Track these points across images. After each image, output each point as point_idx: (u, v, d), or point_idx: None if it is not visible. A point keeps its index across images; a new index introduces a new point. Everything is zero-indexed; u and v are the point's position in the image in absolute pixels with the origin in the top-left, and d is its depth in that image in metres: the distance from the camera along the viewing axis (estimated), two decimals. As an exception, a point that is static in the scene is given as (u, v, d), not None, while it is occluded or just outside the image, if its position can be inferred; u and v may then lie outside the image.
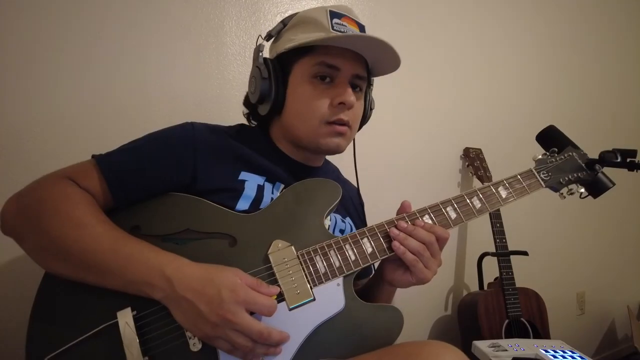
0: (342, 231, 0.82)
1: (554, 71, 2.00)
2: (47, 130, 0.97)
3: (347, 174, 0.97)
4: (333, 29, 0.73)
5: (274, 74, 0.75)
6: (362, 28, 0.78)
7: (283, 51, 0.75)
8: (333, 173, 0.94)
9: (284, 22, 0.78)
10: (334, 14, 0.75)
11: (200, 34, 1.17)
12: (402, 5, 1.55)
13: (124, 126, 1.04)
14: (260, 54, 0.77)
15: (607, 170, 0.82)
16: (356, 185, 0.95)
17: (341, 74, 0.74)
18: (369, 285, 0.83)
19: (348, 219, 0.87)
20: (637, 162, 0.79)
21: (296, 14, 0.79)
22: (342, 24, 0.75)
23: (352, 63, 0.75)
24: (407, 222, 0.69)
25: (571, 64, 2.07)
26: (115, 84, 1.05)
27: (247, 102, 0.86)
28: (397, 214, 0.72)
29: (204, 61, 1.17)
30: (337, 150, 0.77)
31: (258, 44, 0.78)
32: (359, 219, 0.93)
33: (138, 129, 1.07)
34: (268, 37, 0.79)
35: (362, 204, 0.97)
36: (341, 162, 0.95)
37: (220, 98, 1.18)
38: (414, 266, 0.67)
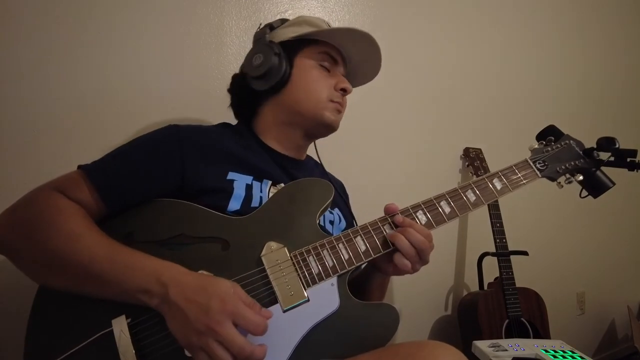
0: (331, 222, 0.83)
1: (554, 71, 2.00)
2: (47, 132, 0.97)
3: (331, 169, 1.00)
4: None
5: (284, 55, 0.80)
6: None
7: (288, 39, 0.82)
8: (317, 166, 0.96)
9: (282, 20, 0.87)
10: (330, 25, 0.87)
11: (200, 34, 1.17)
12: (403, 4, 1.55)
13: (124, 127, 1.04)
14: (267, 35, 0.83)
15: (607, 170, 0.81)
16: (333, 175, 0.99)
17: (337, 68, 0.86)
18: (362, 277, 0.84)
19: (336, 210, 0.88)
20: (637, 161, 0.79)
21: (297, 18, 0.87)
22: None
23: (344, 64, 0.88)
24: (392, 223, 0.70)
25: (572, 63, 2.06)
26: (115, 85, 1.05)
27: (235, 85, 0.89)
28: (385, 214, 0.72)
29: (204, 61, 1.17)
30: (334, 126, 0.85)
31: (259, 30, 0.85)
32: (346, 209, 0.94)
33: (138, 129, 1.07)
34: (270, 27, 0.85)
35: (346, 195, 1.01)
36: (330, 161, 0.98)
37: (221, 98, 1.17)
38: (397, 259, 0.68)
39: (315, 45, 0.83)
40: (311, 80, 0.82)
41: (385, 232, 0.69)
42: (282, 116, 0.83)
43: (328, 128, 0.84)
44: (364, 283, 0.82)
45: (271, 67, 0.79)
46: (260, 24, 0.86)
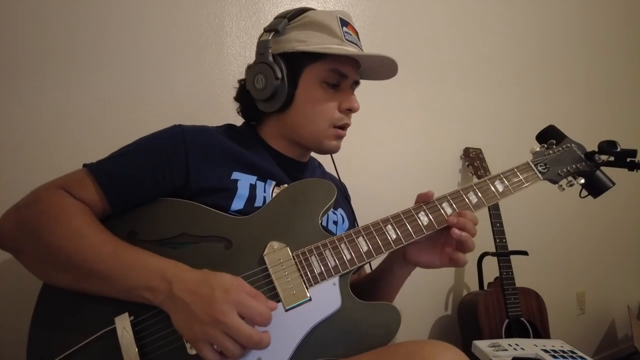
0: (335, 222, 0.84)
1: (554, 71, 2.00)
2: (50, 132, 0.97)
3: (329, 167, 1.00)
4: (345, 38, 0.77)
5: (287, 75, 0.76)
6: (357, 34, 0.82)
7: (294, 51, 0.76)
8: (319, 168, 0.96)
9: (288, 18, 0.78)
10: (343, 22, 0.78)
11: (200, 34, 1.17)
12: (403, 5, 1.55)
13: (123, 127, 1.04)
14: (270, 50, 0.76)
15: (607, 170, 0.81)
16: (337, 177, 0.98)
17: (347, 80, 0.80)
18: (380, 273, 0.84)
19: (340, 210, 0.88)
20: (637, 162, 0.79)
21: (302, 11, 0.79)
22: (349, 33, 0.78)
23: (355, 70, 0.81)
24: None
25: (572, 63, 2.07)
26: (115, 85, 1.05)
27: (241, 97, 0.85)
28: (416, 202, 0.74)
29: (204, 61, 1.17)
30: (335, 151, 0.83)
31: (263, 39, 0.78)
32: (348, 209, 0.94)
33: (138, 130, 1.07)
34: (274, 32, 0.77)
35: (349, 197, 1.00)
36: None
37: (221, 98, 1.18)
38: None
39: (324, 61, 0.76)
40: (313, 105, 0.77)
41: (388, 233, 0.70)
42: (284, 132, 0.82)
43: (328, 153, 0.84)
44: (391, 281, 0.83)
45: (274, 93, 0.75)
46: (264, 30, 0.79)
